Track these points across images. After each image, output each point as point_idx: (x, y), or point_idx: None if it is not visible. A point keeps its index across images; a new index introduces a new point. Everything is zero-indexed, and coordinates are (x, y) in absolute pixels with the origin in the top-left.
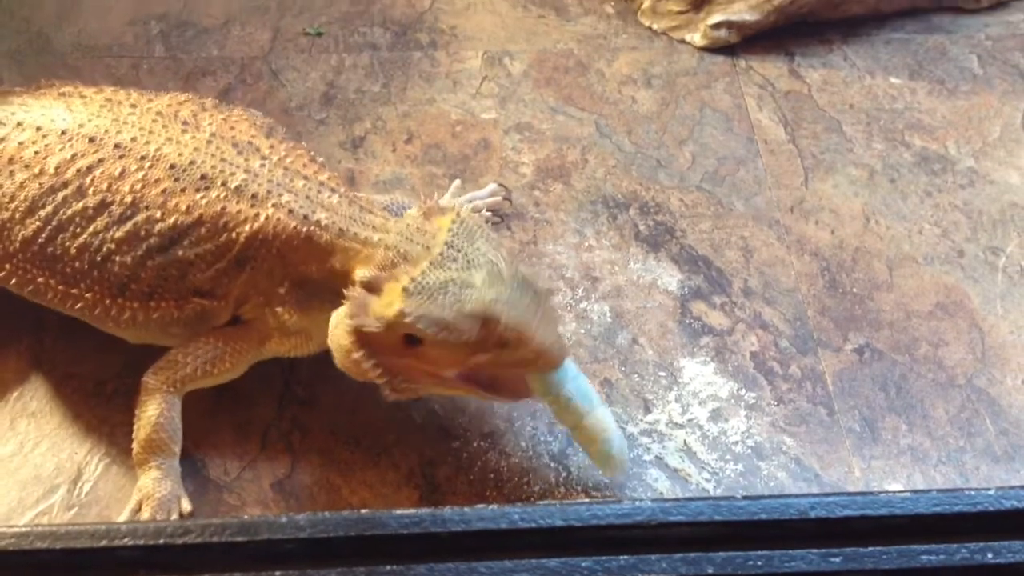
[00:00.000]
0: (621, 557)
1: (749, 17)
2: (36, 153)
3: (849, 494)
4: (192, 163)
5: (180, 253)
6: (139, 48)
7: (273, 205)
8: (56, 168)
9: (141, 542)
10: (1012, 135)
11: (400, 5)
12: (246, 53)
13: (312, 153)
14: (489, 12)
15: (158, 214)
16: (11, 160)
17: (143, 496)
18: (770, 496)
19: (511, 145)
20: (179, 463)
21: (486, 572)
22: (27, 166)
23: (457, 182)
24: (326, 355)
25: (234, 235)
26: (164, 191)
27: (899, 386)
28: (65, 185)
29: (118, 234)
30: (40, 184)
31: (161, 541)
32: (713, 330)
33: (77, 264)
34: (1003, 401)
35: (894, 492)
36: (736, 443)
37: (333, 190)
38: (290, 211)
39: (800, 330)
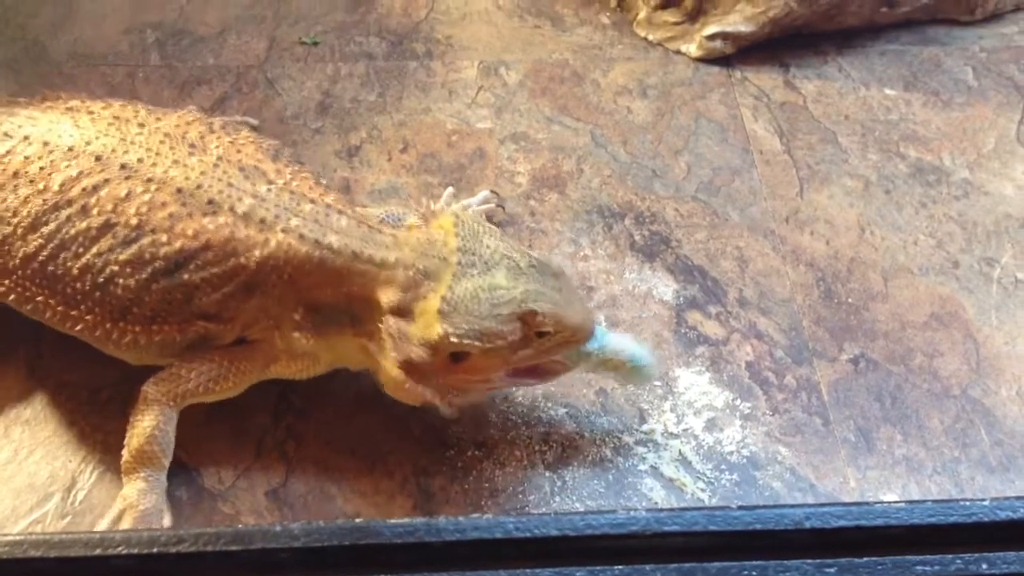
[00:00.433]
0: (616, 567)
1: (744, 28)
2: (41, 169)
3: (844, 504)
4: (199, 187)
5: (186, 277)
6: (135, 57)
7: (282, 230)
8: (61, 185)
9: (135, 551)
10: (1006, 147)
11: (396, 15)
12: (242, 62)
13: (317, 175)
14: (485, 22)
15: (164, 238)
16: (16, 174)
17: (126, 505)
18: (765, 506)
19: (507, 155)
20: (166, 477)
21: None
22: (32, 181)
23: (450, 189)
24: None
25: (243, 260)
26: (170, 215)
27: (894, 396)
28: (69, 203)
29: (122, 256)
30: (44, 200)
31: (155, 550)
32: (708, 340)
33: (78, 285)
34: (998, 412)
35: (889, 502)
36: (731, 453)
37: (341, 212)
38: (300, 236)
39: (795, 340)
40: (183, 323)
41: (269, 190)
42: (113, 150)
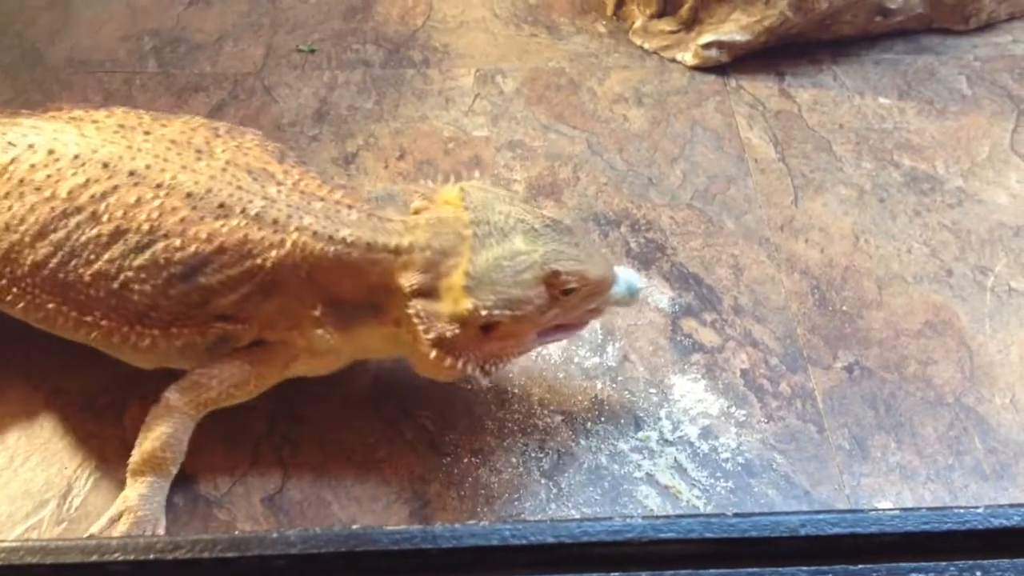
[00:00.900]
0: (612, 574)
1: (740, 37)
2: (48, 176)
3: (839, 512)
4: (209, 191)
5: (203, 280)
6: (132, 63)
7: (296, 229)
8: (69, 193)
9: (131, 557)
10: (1000, 155)
11: (393, 23)
12: (239, 69)
13: (322, 175)
14: (482, 30)
15: (178, 242)
16: (22, 182)
17: (126, 508)
18: (760, 513)
19: (503, 162)
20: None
21: None
22: (38, 189)
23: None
24: None
25: (259, 261)
26: (183, 219)
27: (888, 404)
28: (78, 211)
29: (136, 262)
30: (52, 208)
31: (151, 557)
32: (704, 347)
33: (92, 292)
34: (991, 420)
35: (883, 510)
36: (726, 460)
37: (350, 207)
38: (314, 233)
39: (790, 348)
40: (202, 325)
41: (279, 191)
42: (120, 157)
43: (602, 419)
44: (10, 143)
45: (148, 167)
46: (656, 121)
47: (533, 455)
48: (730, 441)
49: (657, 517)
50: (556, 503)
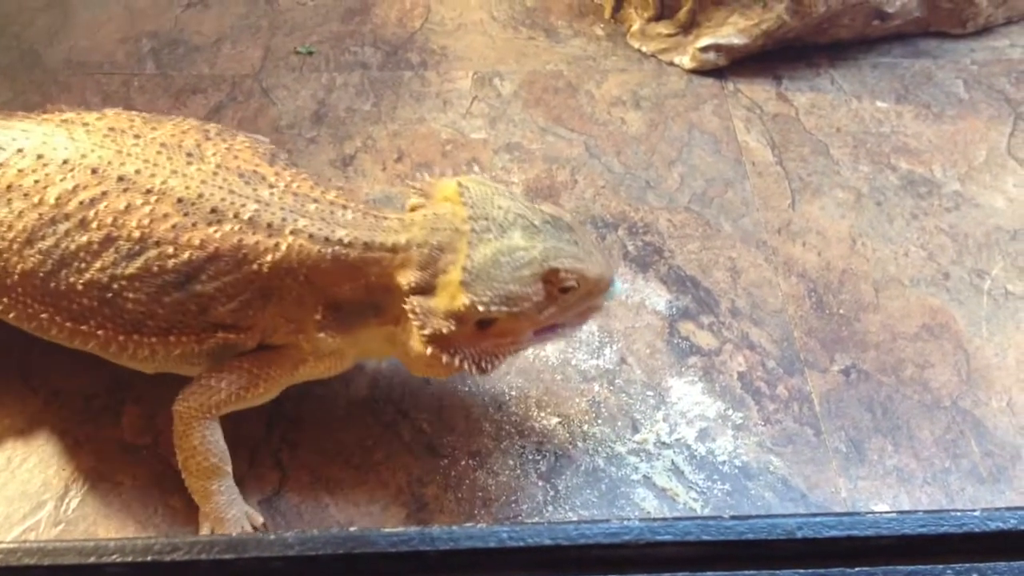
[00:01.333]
0: None
1: (737, 40)
2: (36, 182)
3: (836, 514)
4: (201, 196)
5: (199, 288)
6: (130, 65)
7: (291, 232)
8: (57, 199)
9: (129, 559)
10: (997, 159)
11: (391, 25)
12: (237, 71)
13: (318, 177)
14: (480, 33)
15: (170, 250)
16: (9, 187)
17: (212, 521)
18: (757, 516)
19: (501, 165)
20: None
21: None
22: (26, 195)
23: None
24: None
25: (255, 267)
26: (174, 226)
27: (885, 407)
28: (67, 217)
29: (128, 271)
30: (40, 215)
31: (149, 558)
32: (701, 350)
33: (85, 301)
34: (988, 423)
35: (880, 513)
36: (723, 463)
37: (345, 207)
38: (310, 236)
39: (787, 351)
40: (201, 333)
41: (272, 194)
42: (109, 162)
43: (599, 422)
44: None
45: (138, 172)
46: (654, 124)
47: (530, 457)
48: (727, 444)
49: (654, 519)
50: (553, 505)
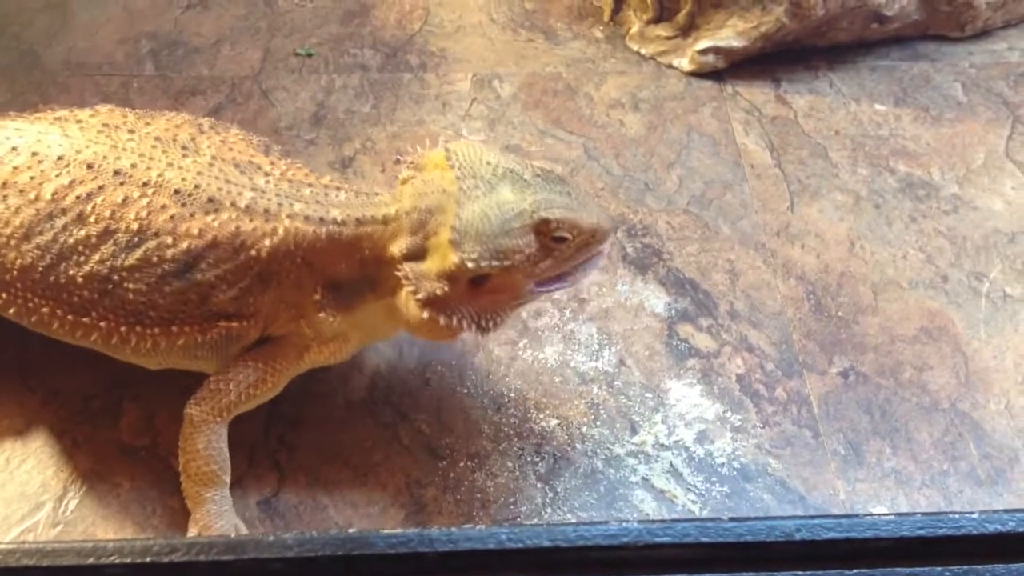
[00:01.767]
0: None
1: (736, 43)
2: (32, 179)
3: (834, 516)
4: (197, 187)
5: (199, 277)
6: (129, 66)
7: (287, 216)
8: (53, 195)
9: (128, 560)
10: (995, 162)
11: (391, 27)
12: (236, 73)
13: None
14: (479, 35)
15: (169, 240)
16: (4, 185)
17: (200, 528)
18: (756, 518)
19: None
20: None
21: None
22: (22, 191)
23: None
24: (314, 373)
25: (254, 252)
26: (172, 217)
27: (883, 409)
28: (64, 212)
29: (128, 262)
30: (36, 210)
31: (148, 559)
32: (700, 352)
33: (86, 293)
34: (986, 425)
35: (879, 515)
36: (722, 465)
37: (339, 189)
38: (306, 218)
39: (786, 353)
40: (203, 323)
41: (267, 181)
42: (105, 157)
43: (598, 423)
44: None
45: (134, 166)
46: (653, 126)
47: (529, 459)
48: (726, 446)
49: (653, 521)
50: (552, 507)
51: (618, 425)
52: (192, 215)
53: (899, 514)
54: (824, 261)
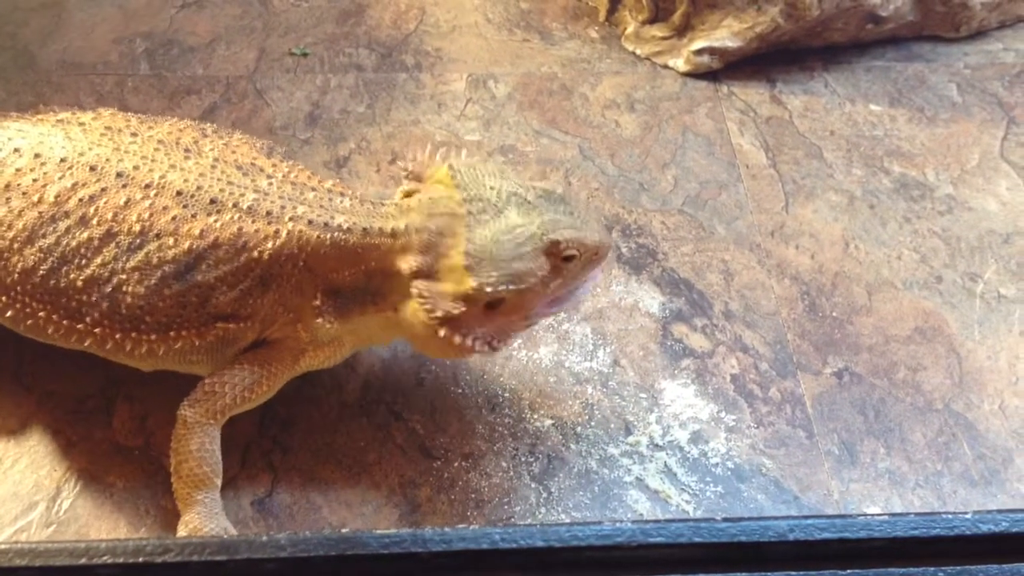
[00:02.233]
0: None
1: (731, 44)
2: (34, 181)
3: (828, 517)
4: (199, 188)
5: (199, 278)
6: (124, 66)
7: (291, 219)
8: (56, 197)
9: (120, 560)
10: (990, 163)
11: (386, 27)
12: (231, 72)
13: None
14: (474, 35)
15: (171, 241)
16: (7, 187)
17: (189, 531)
18: (749, 518)
19: None
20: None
21: None
22: (24, 194)
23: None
24: (308, 374)
25: (256, 254)
26: (174, 218)
27: (878, 410)
28: (67, 215)
29: (129, 264)
30: (40, 213)
31: (140, 559)
32: (694, 352)
33: (84, 297)
34: (980, 426)
35: (872, 515)
36: (716, 465)
37: (342, 194)
38: (309, 222)
39: (780, 353)
40: (201, 327)
41: (270, 183)
42: (107, 159)
43: (592, 424)
44: None
45: (136, 168)
46: (648, 127)
47: (523, 459)
48: (720, 446)
49: (647, 521)
50: (546, 507)
51: (612, 425)
52: (194, 216)
53: (893, 514)
54: (819, 261)
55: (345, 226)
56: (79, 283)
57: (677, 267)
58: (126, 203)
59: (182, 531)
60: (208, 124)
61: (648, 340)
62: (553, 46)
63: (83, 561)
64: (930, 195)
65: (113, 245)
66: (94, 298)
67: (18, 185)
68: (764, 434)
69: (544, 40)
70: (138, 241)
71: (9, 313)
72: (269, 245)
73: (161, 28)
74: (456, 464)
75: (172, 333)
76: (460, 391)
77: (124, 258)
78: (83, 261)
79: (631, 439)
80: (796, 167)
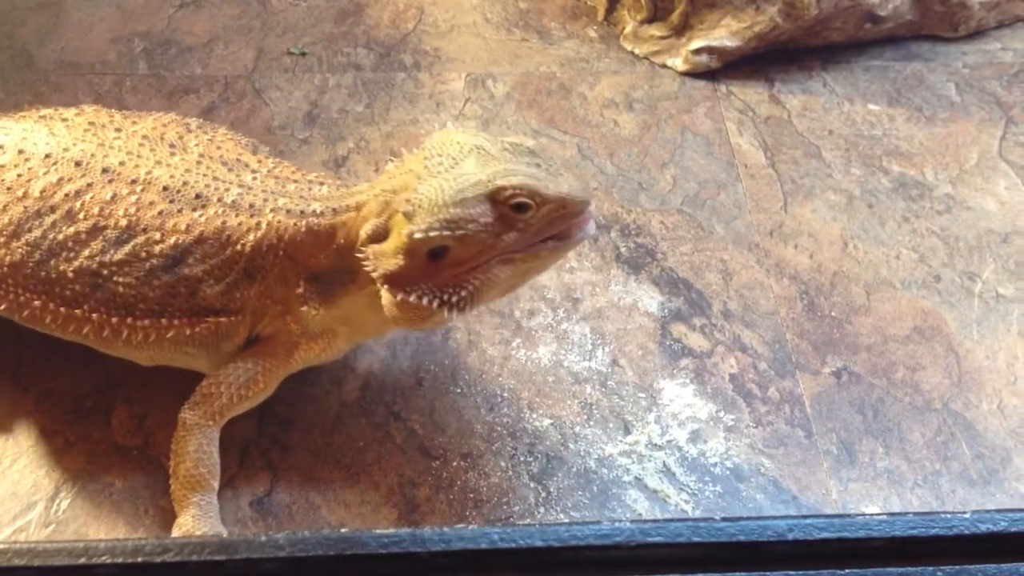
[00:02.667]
0: None
1: (730, 43)
2: (19, 176)
3: (826, 516)
4: (185, 184)
5: (186, 271)
6: (122, 65)
7: (271, 211)
8: (42, 192)
9: (119, 560)
10: (989, 162)
11: (384, 26)
12: (229, 72)
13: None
14: (473, 35)
15: (157, 235)
16: None
17: (184, 533)
18: (748, 518)
19: None
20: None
21: None
22: (9, 189)
23: None
24: (307, 373)
25: (239, 247)
26: (160, 213)
27: (876, 409)
28: (53, 209)
29: (116, 257)
30: (25, 208)
31: (139, 559)
32: (693, 352)
33: (77, 287)
34: (979, 425)
35: (871, 515)
36: (715, 465)
37: (322, 183)
38: (287, 211)
39: (779, 353)
40: (192, 318)
41: (254, 178)
42: (92, 155)
43: (591, 423)
44: None
45: (122, 163)
46: (646, 126)
47: (522, 459)
48: (718, 446)
49: (645, 521)
50: (545, 507)
51: (611, 425)
52: (180, 211)
53: (891, 514)
54: (817, 261)
55: (319, 210)
56: (69, 274)
57: (676, 267)
58: (112, 198)
59: (175, 533)
60: (192, 119)
61: (647, 340)
62: (551, 45)
63: (82, 561)
64: (929, 195)
65: (100, 239)
66: (86, 288)
67: (2, 180)
68: (763, 434)
69: (543, 40)
70: (125, 235)
71: (4, 305)
72: (251, 237)
73: (159, 28)
74: (455, 464)
75: (164, 320)
76: (459, 391)
77: (112, 251)
78: (71, 254)
79: (630, 439)
80: (795, 167)
